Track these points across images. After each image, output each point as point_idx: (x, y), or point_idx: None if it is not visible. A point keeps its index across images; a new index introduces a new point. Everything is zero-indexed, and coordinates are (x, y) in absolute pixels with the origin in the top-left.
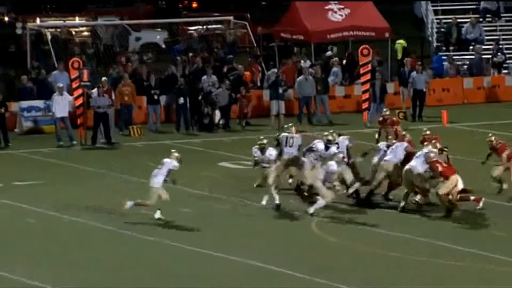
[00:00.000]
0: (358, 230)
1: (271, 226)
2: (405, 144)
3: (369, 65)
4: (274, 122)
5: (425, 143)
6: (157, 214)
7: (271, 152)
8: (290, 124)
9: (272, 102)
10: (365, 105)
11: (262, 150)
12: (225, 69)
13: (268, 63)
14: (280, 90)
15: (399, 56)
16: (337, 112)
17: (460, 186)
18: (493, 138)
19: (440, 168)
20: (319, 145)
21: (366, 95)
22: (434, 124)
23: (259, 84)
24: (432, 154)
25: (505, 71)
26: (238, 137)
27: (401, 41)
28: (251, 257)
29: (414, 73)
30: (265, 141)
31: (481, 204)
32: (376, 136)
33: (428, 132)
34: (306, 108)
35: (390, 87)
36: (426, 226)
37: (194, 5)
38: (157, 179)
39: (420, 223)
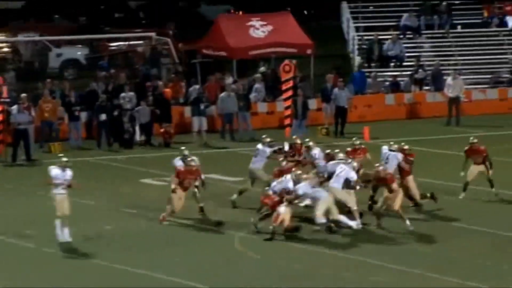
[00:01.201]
0: (285, 246)
1: (192, 243)
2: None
3: (291, 82)
4: (196, 139)
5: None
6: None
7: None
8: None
9: (194, 118)
10: (287, 121)
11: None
12: (147, 86)
13: (191, 79)
14: (202, 107)
15: None
16: (261, 128)
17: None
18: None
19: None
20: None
21: (288, 112)
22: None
23: (181, 100)
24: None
25: (427, 87)
26: (160, 154)
27: None
28: (172, 274)
29: (336, 90)
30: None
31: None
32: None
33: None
34: (228, 125)
35: (313, 104)
36: (356, 243)
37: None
38: None
39: (349, 241)
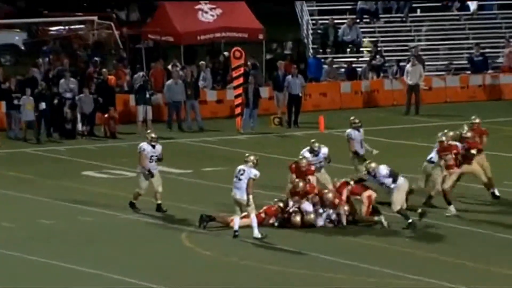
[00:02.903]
0: (233, 243)
1: (139, 239)
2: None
3: (242, 68)
4: (141, 129)
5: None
6: None
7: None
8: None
9: (139, 107)
10: (238, 110)
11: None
12: (89, 73)
13: (135, 66)
14: (147, 95)
15: None
16: (209, 118)
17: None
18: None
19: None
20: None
21: (239, 100)
22: (311, 130)
23: (126, 88)
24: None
25: (387, 74)
26: (104, 145)
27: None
28: (119, 272)
29: (289, 77)
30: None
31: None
32: None
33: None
34: (176, 114)
35: (264, 92)
36: (316, 241)
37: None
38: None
39: (308, 238)
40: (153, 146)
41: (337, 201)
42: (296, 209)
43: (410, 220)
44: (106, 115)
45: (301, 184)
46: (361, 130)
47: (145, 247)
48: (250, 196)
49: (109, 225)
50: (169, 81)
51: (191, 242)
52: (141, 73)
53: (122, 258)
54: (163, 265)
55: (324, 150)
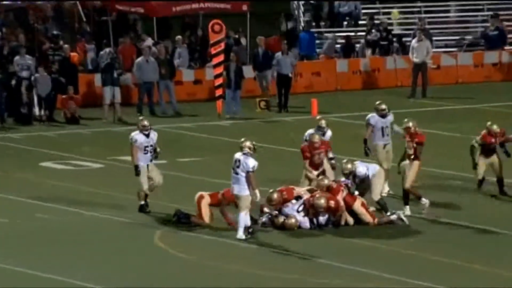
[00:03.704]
0: (214, 244)
1: (106, 239)
2: None
3: (222, 44)
4: (108, 113)
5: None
6: None
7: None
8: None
9: (106, 88)
10: (218, 92)
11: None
12: (46, 49)
13: (101, 41)
14: (115, 74)
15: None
16: (186, 101)
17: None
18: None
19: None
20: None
21: (220, 80)
22: (301, 115)
23: (90, 67)
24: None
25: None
26: (65, 132)
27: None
28: (82, 277)
29: (278, 55)
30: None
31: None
32: None
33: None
34: (147, 96)
35: (249, 71)
36: (310, 242)
37: None
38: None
39: (302, 239)
40: (147, 135)
41: (332, 203)
42: (277, 212)
43: (388, 213)
44: (64, 97)
45: (275, 195)
46: (390, 117)
47: (113, 249)
48: (257, 191)
49: (72, 224)
50: (140, 59)
51: (165, 242)
52: (107, 50)
53: (86, 262)
54: (132, 269)
55: (330, 133)
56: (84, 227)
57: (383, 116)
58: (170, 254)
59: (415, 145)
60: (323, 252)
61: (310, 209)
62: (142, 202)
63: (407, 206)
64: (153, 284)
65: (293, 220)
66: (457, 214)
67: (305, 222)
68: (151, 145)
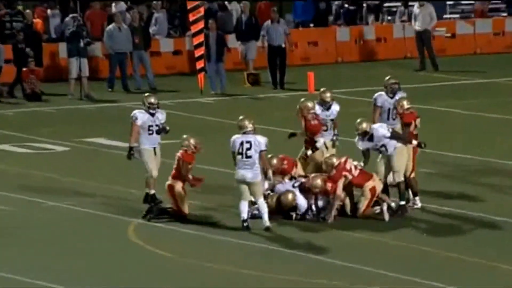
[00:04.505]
0: (195, 239)
1: (70, 233)
2: None
3: (201, 9)
4: (74, 89)
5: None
6: None
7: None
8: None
9: (72, 60)
10: (199, 65)
11: None
12: (2, 15)
13: (67, 6)
14: (82, 44)
15: None
16: (164, 75)
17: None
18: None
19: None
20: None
21: (200, 51)
22: (297, 91)
23: (53, 35)
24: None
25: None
26: (24, 110)
27: None
28: (43, 276)
29: (268, 24)
30: None
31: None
32: None
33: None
34: (120, 69)
35: (234, 40)
36: (307, 237)
37: None
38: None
39: (297, 232)
40: (152, 114)
41: (329, 185)
42: (270, 191)
43: (403, 202)
44: (24, 69)
45: (274, 161)
46: (400, 94)
47: (79, 244)
48: (270, 171)
49: (31, 215)
50: (111, 26)
51: (140, 237)
52: (73, 16)
53: (47, 259)
54: (102, 268)
55: (337, 107)
56: (46, 219)
57: (394, 94)
58: (146, 251)
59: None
60: (322, 248)
61: (309, 193)
62: (153, 191)
63: (417, 198)
64: (126, 285)
65: (290, 196)
66: (475, 206)
67: (303, 201)
68: (157, 125)
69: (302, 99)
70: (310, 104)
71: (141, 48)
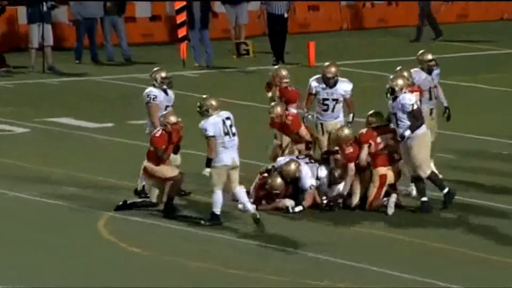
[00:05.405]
0: (173, 235)
1: (35, 228)
2: None
3: None
4: (36, 60)
5: None
6: None
7: None
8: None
9: (33, 26)
10: (181, 33)
11: None
12: None
13: None
14: (45, 8)
15: None
16: (141, 44)
17: None
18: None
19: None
20: None
21: (182, 17)
22: (296, 64)
23: None
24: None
25: None
26: None
27: None
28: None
29: None
30: None
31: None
32: None
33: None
34: (89, 38)
35: (221, 5)
36: (305, 231)
37: None
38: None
39: (293, 226)
40: (165, 92)
41: (350, 151)
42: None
43: (446, 190)
44: None
45: (279, 108)
46: (437, 71)
47: (45, 241)
48: None
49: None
50: None
51: (112, 233)
52: None
53: (9, 257)
54: (70, 267)
55: (346, 86)
56: (5, 211)
57: (430, 69)
58: (120, 248)
59: None
60: (322, 245)
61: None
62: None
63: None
64: (96, 285)
65: (292, 165)
66: (496, 197)
67: (308, 174)
68: (172, 105)
69: (276, 66)
70: (284, 73)
71: (113, 13)
